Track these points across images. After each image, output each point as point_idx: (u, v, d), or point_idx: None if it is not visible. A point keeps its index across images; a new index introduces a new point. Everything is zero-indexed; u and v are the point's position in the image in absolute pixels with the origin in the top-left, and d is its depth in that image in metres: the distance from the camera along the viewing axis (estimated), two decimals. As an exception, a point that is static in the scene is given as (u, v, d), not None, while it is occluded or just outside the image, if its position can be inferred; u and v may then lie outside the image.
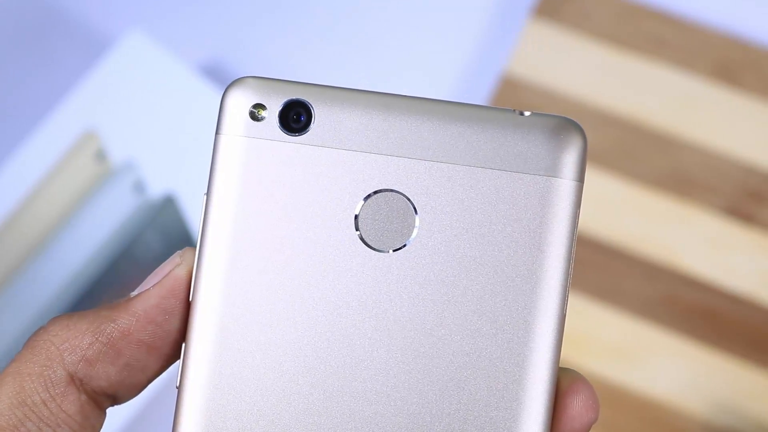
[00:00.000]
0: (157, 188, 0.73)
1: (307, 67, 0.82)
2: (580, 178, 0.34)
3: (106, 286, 0.72)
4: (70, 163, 0.74)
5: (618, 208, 0.75)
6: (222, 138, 0.35)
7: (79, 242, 0.73)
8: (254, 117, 0.35)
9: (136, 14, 0.83)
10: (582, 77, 0.78)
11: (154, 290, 0.35)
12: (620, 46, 0.79)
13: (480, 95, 0.79)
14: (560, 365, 0.35)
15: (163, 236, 0.73)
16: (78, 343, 0.34)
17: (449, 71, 0.81)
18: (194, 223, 0.72)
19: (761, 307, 0.73)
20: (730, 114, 0.77)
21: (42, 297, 0.71)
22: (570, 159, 0.34)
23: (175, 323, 0.35)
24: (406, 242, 0.34)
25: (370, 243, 0.35)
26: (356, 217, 0.35)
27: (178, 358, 0.35)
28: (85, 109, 0.75)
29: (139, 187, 0.74)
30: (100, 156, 0.74)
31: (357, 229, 0.35)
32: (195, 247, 0.35)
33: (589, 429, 0.35)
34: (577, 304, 0.73)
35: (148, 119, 0.75)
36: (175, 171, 0.74)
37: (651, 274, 0.74)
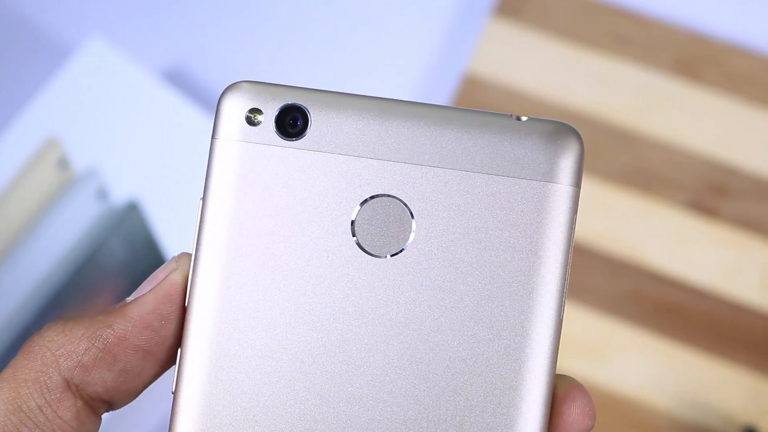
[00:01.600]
0: (120, 195, 0.73)
1: (269, 71, 0.82)
2: (577, 183, 0.35)
3: (71, 293, 0.72)
4: (32, 171, 0.74)
5: (581, 205, 0.75)
6: (218, 142, 0.35)
7: (43, 250, 0.72)
8: (250, 122, 0.35)
9: (98, 21, 0.83)
10: (544, 75, 0.78)
11: (150, 295, 0.35)
12: (581, 44, 0.79)
13: (443, 95, 0.79)
14: (556, 371, 0.35)
15: (127, 243, 0.72)
16: (74, 349, 0.34)
17: (412, 71, 0.81)
18: (158, 229, 0.72)
19: (725, 301, 0.73)
20: (691, 109, 0.77)
21: (6, 306, 0.71)
22: (567, 164, 0.34)
23: (171, 328, 0.35)
24: (403, 247, 0.34)
25: (366, 248, 0.35)
26: (353, 222, 0.34)
27: (174, 363, 0.35)
28: (47, 116, 0.75)
29: (102, 193, 0.73)
30: (63, 163, 0.74)
31: (354, 234, 0.34)
32: (191, 252, 0.35)
33: None
34: (543, 301, 0.73)
35: (111, 126, 0.75)
36: (139, 177, 0.74)
37: (616, 271, 0.74)
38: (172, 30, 0.83)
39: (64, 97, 0.75)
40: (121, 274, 0.72)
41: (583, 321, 0.73)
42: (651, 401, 0.71)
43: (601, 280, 0.73)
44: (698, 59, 0.78)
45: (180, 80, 0.81)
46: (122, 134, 0.75)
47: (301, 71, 0.81)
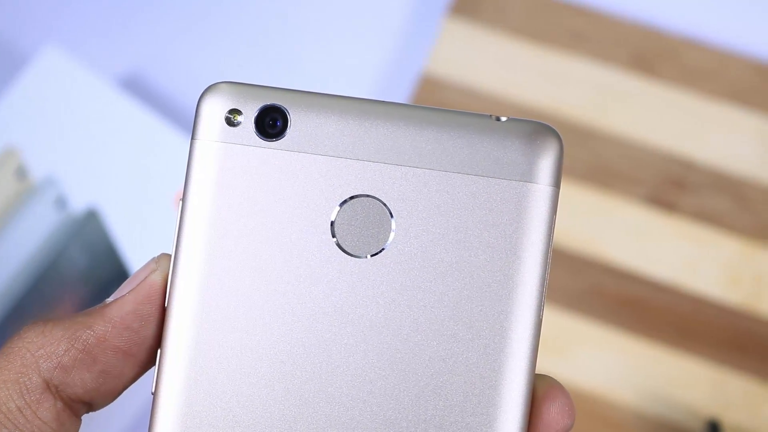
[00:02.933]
0: (79, 203, 0.73)
1: (226, 76, 0.82)
2: (557, 183, 0.35)
3: (32, 302, 0.71)
4: (-10, 181, 0.74)
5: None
6: (197, 143, 0.35)
7: (3, 260, 0.72)
8: (230, 122, 0.35)
9: (53, 30, 0.83)
10: (501, 74, 0.78)
11: (129, 296, 0.35)
12: (538, 42, 0.79)
13: (400, 95, 0.79)
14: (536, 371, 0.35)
15: (87, 250, 0.72)
16: (53, 350, 0.34)
17: (369, 72, 0.81)
18: (117, 236, 0.72)
19: (686, 294, 0.73)
20: (648, 104, 0.77)
21: (-34, 317, 0.71)
22: (546, 164, 0.34)
23: (150, 329, 0.35)
24: (383, 247, 0.34)
25: (346, 248, 0.35)
26: (332, 223, 0.34)
27: (154, 364, 0.35)
28: (4, 126, 0.75)
29: (61, 202, 0.73)
30: (21, 172, 0.74)
31: (333, 235, 0.34)
32: (170, 253, 0.35)
33: None
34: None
35: (68, 134, 0.75)
36: (97, 185, 0.73)
37: (576, 267, 0.74)
38: (128, 38, 0.83)
39: (20, 107, 0.75)
40: (81, 282, 0.72)
41: (545, 317, 0.72)
42: (614, 396, 0.71)
43: (563, 277, 0.74)
44: (654, 54, 0.78)
45: (137, 88, 0.81)
46: (80, 142, 0.75)
47: (259, 74, 0.81)
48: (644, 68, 0.78)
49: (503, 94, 0.78)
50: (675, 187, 0.75)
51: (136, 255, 0.71)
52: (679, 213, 0.75)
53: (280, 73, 0.81)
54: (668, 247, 0.74)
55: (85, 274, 0.72)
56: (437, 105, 0.77)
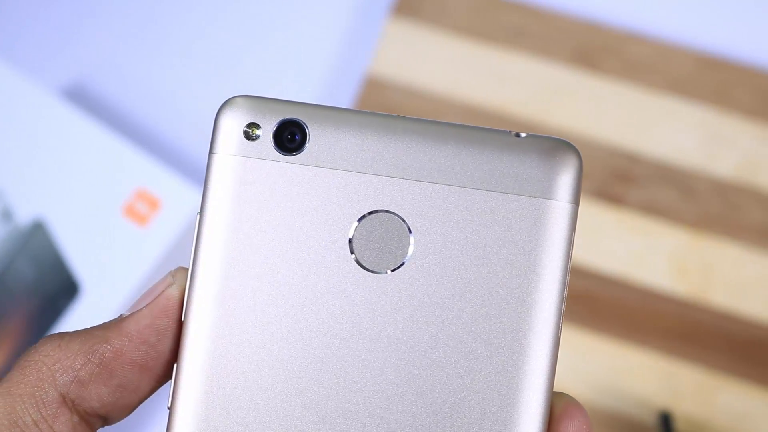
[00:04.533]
0: (25, 215, 0.73)
1: (172, 82, 0.81)
2: (576, 200, 0.34)
3: (-20, 317, 0.71)
4: (-65, 196, 0.73)
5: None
6: (215, 157, 0.35)
7: (-50, 275, 0.72)
8: (248, 136, 0.35)
9: (-3, 41, 0.83)
10: (445, 73, 0.79)
11: (146, 310, 0.35)
12: (480, 40, 0.79)
13: (345, 97, 0.79)
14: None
15: (34, 262, 0.72)
16: (70, 364, 0.34)
17: (312, 74, 0.81)
18: (65, 248, 0.72)
19: (634, 287, 0.74)
20: (592, 99, 0.78)
21: None
22: (565, 181, 0.34)
23: (167, 343, 0.35)
24: (403, 262, 0.34)
25: (365, 264, 0.34)
26: (351, 239, 0.34)
27: (170, 378, 0.35)
28: (-53, 140, 0.75)
29: (6, 214, 0.73)
30: (-35, 186, 0.74)
31: (352, 251, 0.34)
32: (187, 266, 0.35)
33: None
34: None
35: (12, 146, 0.75)
36: (43, 196, 0.73)
37: (525, 263, 0.74)
38: (70, 48, 0.83)
39: (-37, 120, 0.75)
40: (30, 295, 0.72)
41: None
42: (566, 390, 0.71)
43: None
44: (596, 49, 0.78)
45: (81, 98, 0.81)
46: (24, 154, 0.74)
47: (203, 80, 0.81)
48: (586, 63, 0.78)
49: (448, 94, 0.78)
50: (621, 180, 0.76)
51: (83, 266, 0.71)
52: (626, 206, 0.75)
53: (224, 76, 0.81)
54: (615, 240, 0.75)
55: (33, 286, 0.72)
56: (381, 107, 0.77)
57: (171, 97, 0.81)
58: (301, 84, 0.80)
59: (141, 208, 0.72)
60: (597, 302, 0.73)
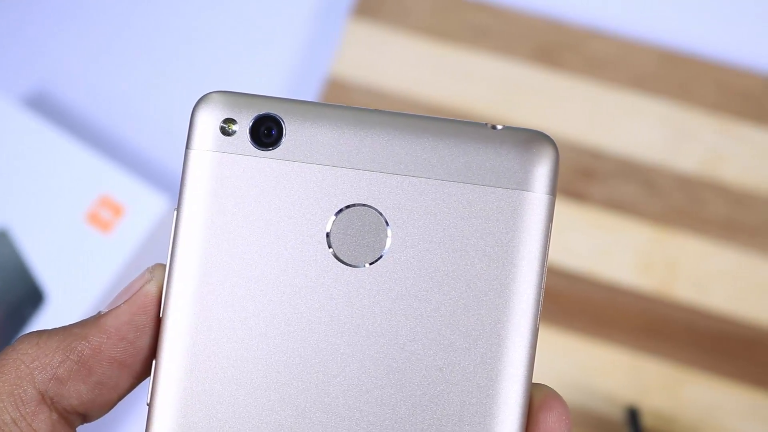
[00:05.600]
0: (-13, 224, 0.73)
1: (132, 89, 0.81)
2: (552, 192, 0.34)
3: (-55, 327, 0.71)
4: None
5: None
6: (192, 153, 0.35)
7: None
8: (225, 132, 0.35)
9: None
10: (407, 73, 0.79)
11: (125, 307, 0.35)
12: (441, 39, 0.79)
13: (308, 99, 0.79)
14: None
15: (-2, 271, 0.72)
16: (48, 362, 0.34)
17: (275, 78, 0.80)
18: (29, 256, 0.72)
19: (600, 283, 0.74)
20: (554, 96, 0.78)
21: None
22: (541, 172, 0.34)
23: (146, 340, 0.35)
24: (381, 254, 0.34)
25: (343, 258, 0.35)
26: (328, 234, 0.34)
27: (149, 374, 0.35)
28: None
29: (-31, 224, 0.73)
30: (-72, 197, 0.73)
31: (330, 246, 0.34)
32: (165, 262, 0.35)
33: None
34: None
35: (-26, 155, 0.74)
36: (6, 204, 0.73)
37: (490, 261, 0.74)
38: (31, 57, 0.82)
39: (-76, 130, 0.75)
40: (-6, 304, 0.71)
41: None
42: (534, 388, 0.72)
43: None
44: (557, 46, 0.79)
45: (42, 106, 0.80)
46: (-14, 163, 0.74)
47: (164, 84, 0.81)
48: (548, 60, 0.78)
49: (410, 94, 0.78)
50: (584, 176, 0.76)
51: (48, 274, 0.71)
52: (590, 202, 0.75)
53: (184, 81, 0.81)
54: (580, 236, 0.75)
55: (-3, 295, 0.71)
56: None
57: (132, 103, 0.81)
58: (264, 87, 0.80)
59: (105, 215, 0.72)
60: (563, 299, 0.73)
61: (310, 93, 0.79)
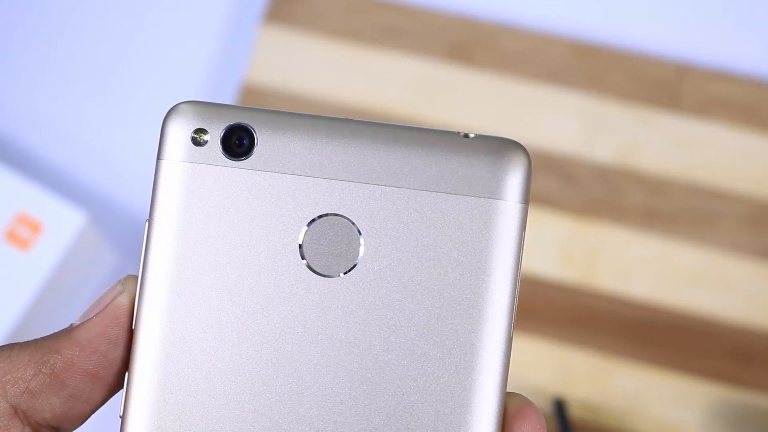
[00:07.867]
0: None
1: (48, 104, 0.81)
2: (525, 200, 0.34)
3: None
4: None
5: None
6: (163, 163, 0.35)
7: None
8: (196, 142, 0.35)
9: None
10: (322, 76, 0.79)
11: (97, 319, 0.34)
12: (355, 41, 0.79)
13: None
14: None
15: None
16: (21, 375, 0.34)
17: (189, 87, 0.80)
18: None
19: (523, 278, 0.74)
20: (470, 92, 0.78)
21: None
22: (514, 181, 0.34)
23: (119, 352, 0.35)
24: (354, 263, 0.34)
25: (315, 268, 0.34)
26: (300, 245, 0.34)
27: (122, 387, 0.35)
28: None
29: None
30: None
31: (303, 256, 0.34)
32: (137, 274, 0.35)
33: None
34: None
35: None
36: None
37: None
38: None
39: None
40: None
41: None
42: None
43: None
44: (470, 43, 0.79)
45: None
46: None
47: (79, 98, 0.80)
48: (462, 57, 0.79)
49: (327, 97, 0.78)
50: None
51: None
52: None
53: (100, 93, 0.80)
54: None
55: None
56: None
57: (47, 119, 0.80)
58: (180, 96, 0.79)
59: (22, 232, 0.71)
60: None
61: (226, 100, 0.79)
